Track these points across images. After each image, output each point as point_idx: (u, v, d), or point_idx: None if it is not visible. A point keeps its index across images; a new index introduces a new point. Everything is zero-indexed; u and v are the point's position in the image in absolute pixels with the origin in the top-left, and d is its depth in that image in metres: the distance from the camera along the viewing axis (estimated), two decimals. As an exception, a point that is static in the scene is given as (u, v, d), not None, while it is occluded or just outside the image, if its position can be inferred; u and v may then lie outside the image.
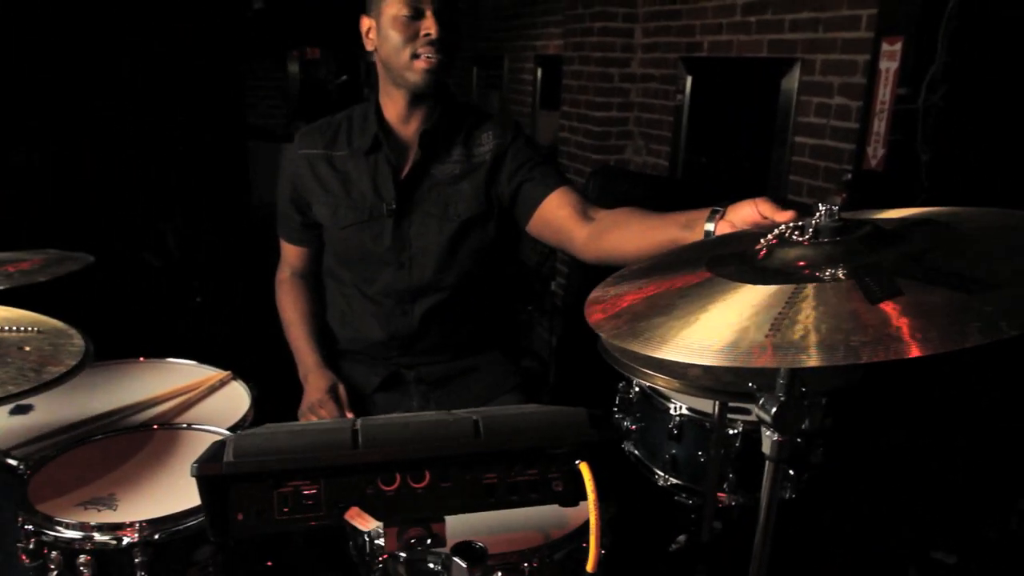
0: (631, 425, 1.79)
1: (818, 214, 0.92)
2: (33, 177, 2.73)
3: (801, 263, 0.88)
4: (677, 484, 1.70)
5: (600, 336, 0.89)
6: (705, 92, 3.95)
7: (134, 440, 1.36)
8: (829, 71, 3.20)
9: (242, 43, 5.67)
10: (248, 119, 6.73)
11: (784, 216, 1.05)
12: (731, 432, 1.60)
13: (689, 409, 1.65)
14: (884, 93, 2.86)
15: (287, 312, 1.79)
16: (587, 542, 0.84)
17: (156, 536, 1.07)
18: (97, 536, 1.08)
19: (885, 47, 2.83)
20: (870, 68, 2.92)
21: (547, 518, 1.18)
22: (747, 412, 1.62)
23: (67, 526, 1.07)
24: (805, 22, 3.30)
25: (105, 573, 1.08)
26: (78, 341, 1.21)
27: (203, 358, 1.72)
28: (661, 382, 1.32)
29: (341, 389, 1.68)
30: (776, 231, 0.96)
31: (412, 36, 1.56)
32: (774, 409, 0.96)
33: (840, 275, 0.83)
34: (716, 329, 0.79)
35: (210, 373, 1.66)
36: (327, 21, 7.32)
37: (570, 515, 1.17)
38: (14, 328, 1.21)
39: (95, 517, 1.12)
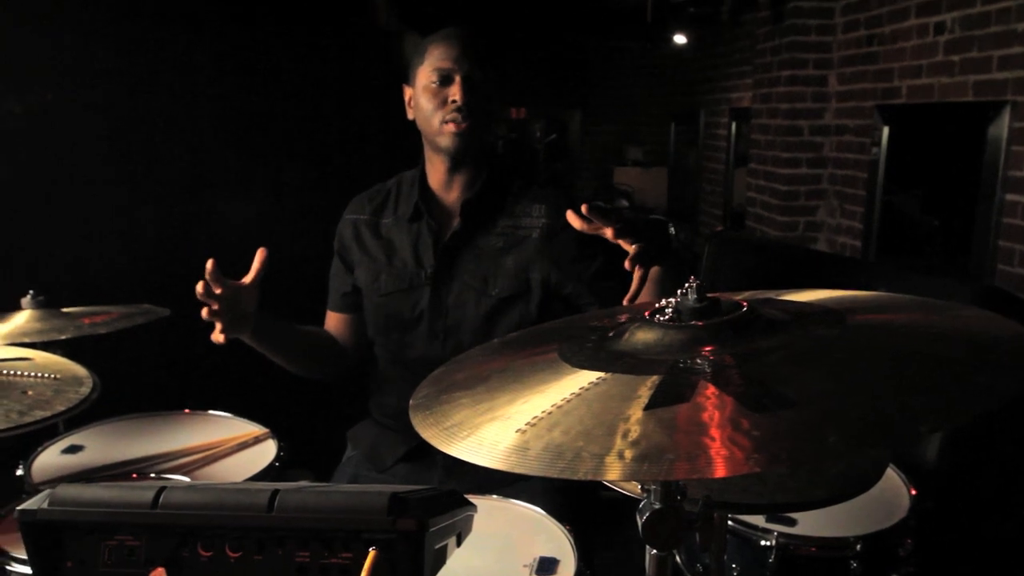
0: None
1: (680, 292, 0.85)
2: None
3: (639, 348, 0.82)
4: (712, 599, 1.56)
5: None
6: (903, 144, 3.63)
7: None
8: (1045, 115, 2.82)
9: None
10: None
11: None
12: (764, 544, 1.45)
13: (722, 513, 1.51)
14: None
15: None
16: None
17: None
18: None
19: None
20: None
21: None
22: (788, 522, 1.46)
23: (17, 560, 1.26)
24: (1017, 58, 2.96)
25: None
26: (83, 390, 1.43)
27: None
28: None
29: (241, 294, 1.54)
30: (656, 306, 0.90)
31: (441, 103, 1.67)
32: (644, 518, 0.89)
33: (656, 368, 0.76)
34: (501, 419, 0.77)
35: (249, 429, 1.84)
36: (532, 82, 7.76)
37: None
38: (32, 373, 1.46)
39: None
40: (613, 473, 0.61)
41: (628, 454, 0.62)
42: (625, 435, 0.65)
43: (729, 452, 0.59)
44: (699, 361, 0.74)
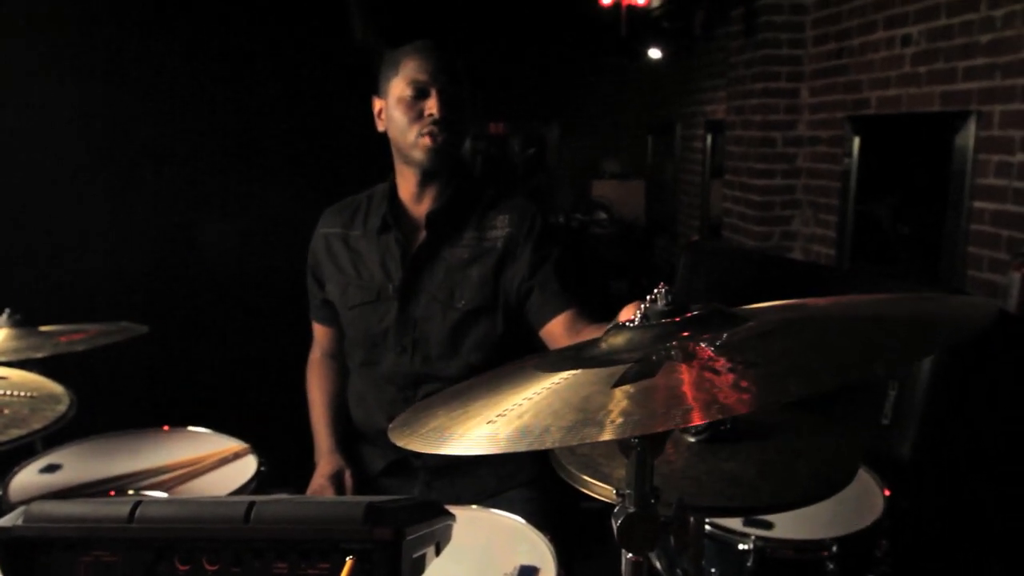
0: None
1: (650, 297, 0.86)
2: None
3: (612, 350, 0.83)
4: (693, 605, 1.56)
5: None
6: (873, 154, 3.68)
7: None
8: (1009, 124, 2.87)
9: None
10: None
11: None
12: (742, 548, 1.45)
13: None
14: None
15: (312, 393, 1.92)
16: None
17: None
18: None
19: (1062, 93, 2.50)
20: (1049, 119, 2.58)
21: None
22: (765, 525, 1.47)
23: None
24: (981, 69, 3.01)
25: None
26: (60, 408, 1.41)
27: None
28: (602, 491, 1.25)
29: (347, 475, 1.76)
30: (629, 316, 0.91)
31: (417, 116, 1.66)
32: (619, 522, 0.89)
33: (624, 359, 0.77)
34: (473, 417, 0.77)
35: (229, 444, 1.82)
36: (511, 97, 7.79)
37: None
38: (8, 392, 1.44)
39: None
40: (582, 437, 0.62)
41: (601, 419, 0.63)
42: (596, 408, 0.66)
43: (695, 405, 0.61)
44: (669, 349, 0.76)
